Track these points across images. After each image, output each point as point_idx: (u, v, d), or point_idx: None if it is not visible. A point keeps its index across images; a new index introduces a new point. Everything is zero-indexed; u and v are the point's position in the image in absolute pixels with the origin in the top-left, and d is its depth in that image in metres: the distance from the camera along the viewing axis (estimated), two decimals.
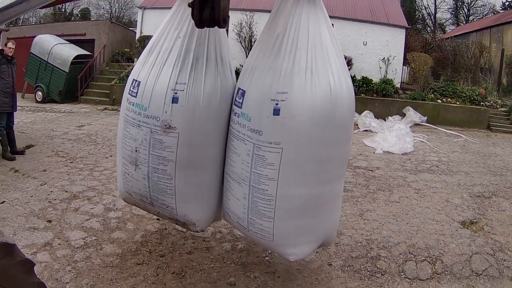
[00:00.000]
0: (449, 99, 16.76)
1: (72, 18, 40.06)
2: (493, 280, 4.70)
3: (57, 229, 5.19)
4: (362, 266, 4.74)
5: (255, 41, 18.79)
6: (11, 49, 8.27)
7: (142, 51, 14.28)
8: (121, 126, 3.92)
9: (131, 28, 25.37)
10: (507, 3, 46.86)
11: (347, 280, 4.43)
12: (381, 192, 7.37)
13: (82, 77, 17.94)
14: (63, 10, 39.49)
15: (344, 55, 17.09)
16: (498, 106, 17.45)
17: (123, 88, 14.75)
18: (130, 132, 3.78)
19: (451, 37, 29.00)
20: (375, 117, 14.79)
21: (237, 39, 19.35)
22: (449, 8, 48.46)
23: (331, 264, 4.72)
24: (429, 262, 4.90)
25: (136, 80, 3.75)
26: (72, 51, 17.56)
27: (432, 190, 7.67)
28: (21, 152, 8.66)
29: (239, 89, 3.59)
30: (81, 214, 5.70)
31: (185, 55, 3.62)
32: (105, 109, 16.46)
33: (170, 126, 3.56)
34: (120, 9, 44.08)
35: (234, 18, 19.55)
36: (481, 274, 4.77)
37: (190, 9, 3.06)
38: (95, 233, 5.15)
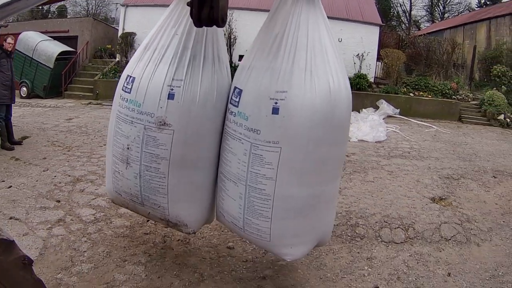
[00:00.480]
0: (421, 93, 17.58)
1: (49, 15, 40.05)
2: (461, 245, 5.35)
3: (67, 207, 5.64)
4: (343, 232, 5.36)
5: (234, 38, 19.68)
6: (11, 44, 8.68)
7: (124, 48, 14.76)
8: (113, 123, 3.88)
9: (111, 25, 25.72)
10: (482, 1, 47.57)
11: (331, 243, 5.01)
12: (357, 174, 8.02)
13: (66, 72, 18.28)
14: (40, 7, 39.45)
15: None
16: (469, 100, 18.30)
17: (106, 83, 15.31)
18: (122, 129, 3.74)
19: (424, 34, 29.82)
20: None
21: None
22: (425, 6, 48.91)
23: None
24: (402, 229, 5.55)
25: (130, 76, 3.72)
26: (56, 48, 17.91)
27: (403, 172, 8.34)
28: (19, 143, 9.01)
29: (235, 87, 3.56)
30: (86, 194, 6.17)
31: (183, 52, 3.60)
32: (90, 103, 16.85)
33: (165, 123, 3.53)
34: (97, 6, 44.02)
35: None
36: (449, 239, 5.41)
37: (188, 7, 3.04)
38: (102, 209, 5.64)
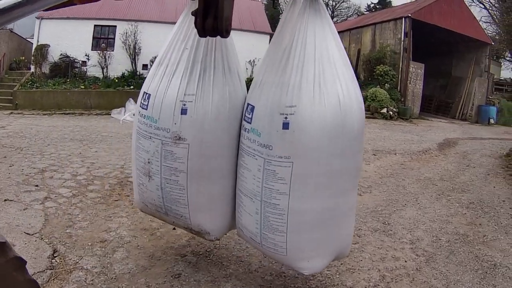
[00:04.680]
0: None
1: None
2: None
3: (46, 189, 6.99)
4: None
5: (139, 48, 21.62)
6: None
7: (40, 59, 16.39)
8: (134, 139, 3.96)
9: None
10: (372, 5, 50.70)
11: None
12: None
13: None
14: None
15: None
16: None
17: (25, 93, 18.12)
18: (142, 144, 3.82)
19: None
20: None
21: (123, 46, 21.76)
22: None
23: None
24: None
25: (146, 93, 3.79)
26: None
27: None
28: None
29: (248, 104, 3.56)
30: (57, 179, 7.62)
31: (193, 65, 3.64)
32: (11, 113, 17.68)
33: (180, 138, 3.57)
34: None
35: (121, 27, 21.96)
36: None
37: (191, 13, 3.09)
38: (76, 188, 7.16)
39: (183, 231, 5.13)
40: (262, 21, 25.82)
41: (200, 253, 5.00)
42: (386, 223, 6.48)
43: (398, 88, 26.57)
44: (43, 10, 2.29)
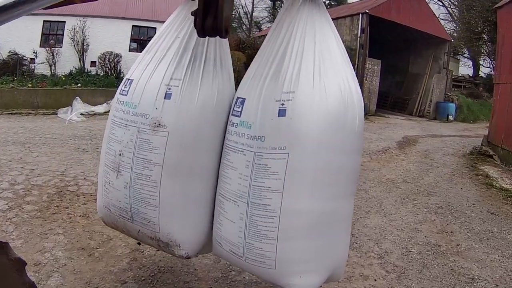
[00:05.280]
0: None
1: None
2: None
3: None
4: None
5: (87, 45, 21.34)
6: None
7: None
8: (107, 130, 3.57)
9: None
10: (327, 2, 51.04)
11: None
12: None
13: None
14: None
15: None
16: None
17: None
18: (115, 134, 3.44)
19: (265, 35, 32.35)
20: None
21: (71, 43, 21.40)
22: (267, 7, 52.17)
23: None
24: None
25: (129, 79, 3.51)
26: None
27: None
28: None
29: (238, 98, 3.26)
30: None
31: (183, 53, 3.38)
32: None
33: (160, 124, 3.24)
34: None
35: (69, 23, 21.41)
36: None
37: (190, 15, 3.00)
38: (12, 199, 6.67)
39: (124, 251, 4.88)
40: None
41: (143, 278, 4.59)
42: (351, 234, 6.00)
43: None
44: (43, 9, 2.21)
